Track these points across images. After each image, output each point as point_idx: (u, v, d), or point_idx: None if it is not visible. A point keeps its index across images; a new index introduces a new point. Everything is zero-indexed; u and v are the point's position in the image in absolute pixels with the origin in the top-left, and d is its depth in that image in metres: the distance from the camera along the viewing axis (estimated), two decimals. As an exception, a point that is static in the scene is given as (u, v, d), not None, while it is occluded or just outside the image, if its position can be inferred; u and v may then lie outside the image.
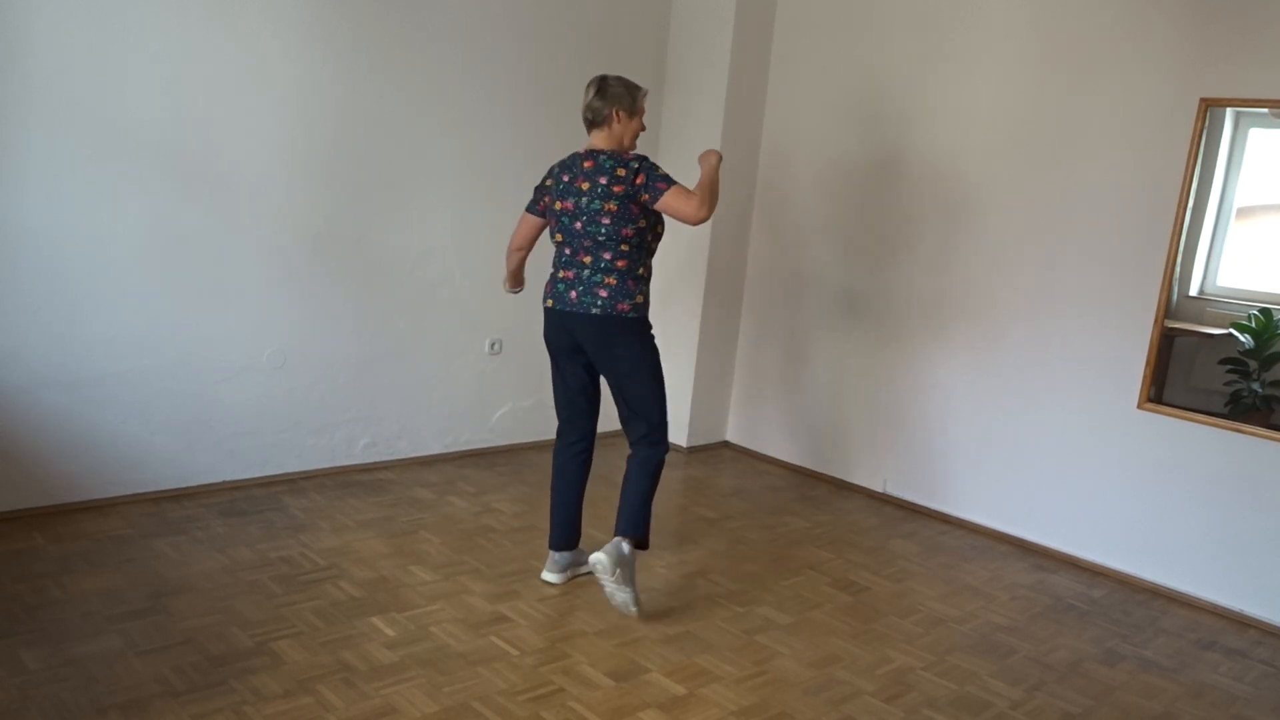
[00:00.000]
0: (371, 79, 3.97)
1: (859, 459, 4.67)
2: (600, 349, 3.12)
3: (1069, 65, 3.86)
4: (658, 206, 3.00)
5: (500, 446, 4.77)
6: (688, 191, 2.97)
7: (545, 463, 4.64)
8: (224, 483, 3.91)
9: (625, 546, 3.05)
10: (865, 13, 4.50)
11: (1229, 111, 3.50)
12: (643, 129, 3.17)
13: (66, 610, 2.85)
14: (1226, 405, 3.56)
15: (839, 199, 4.68)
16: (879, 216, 4.51)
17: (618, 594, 3.01)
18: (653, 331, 3.18)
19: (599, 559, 2.98)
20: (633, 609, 3.04)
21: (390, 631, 2.91)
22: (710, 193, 2.99)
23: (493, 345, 4.64)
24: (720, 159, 3.12)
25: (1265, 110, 3.43)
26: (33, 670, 2.52)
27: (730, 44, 4.70)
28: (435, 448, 4.54)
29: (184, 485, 3.80)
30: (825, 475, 4.80)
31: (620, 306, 3.06)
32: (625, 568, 3.02)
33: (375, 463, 4.34)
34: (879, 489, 4.61)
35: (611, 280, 3.07)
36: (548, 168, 4.59)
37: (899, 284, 4.46)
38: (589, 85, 3.12)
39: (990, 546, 4.09)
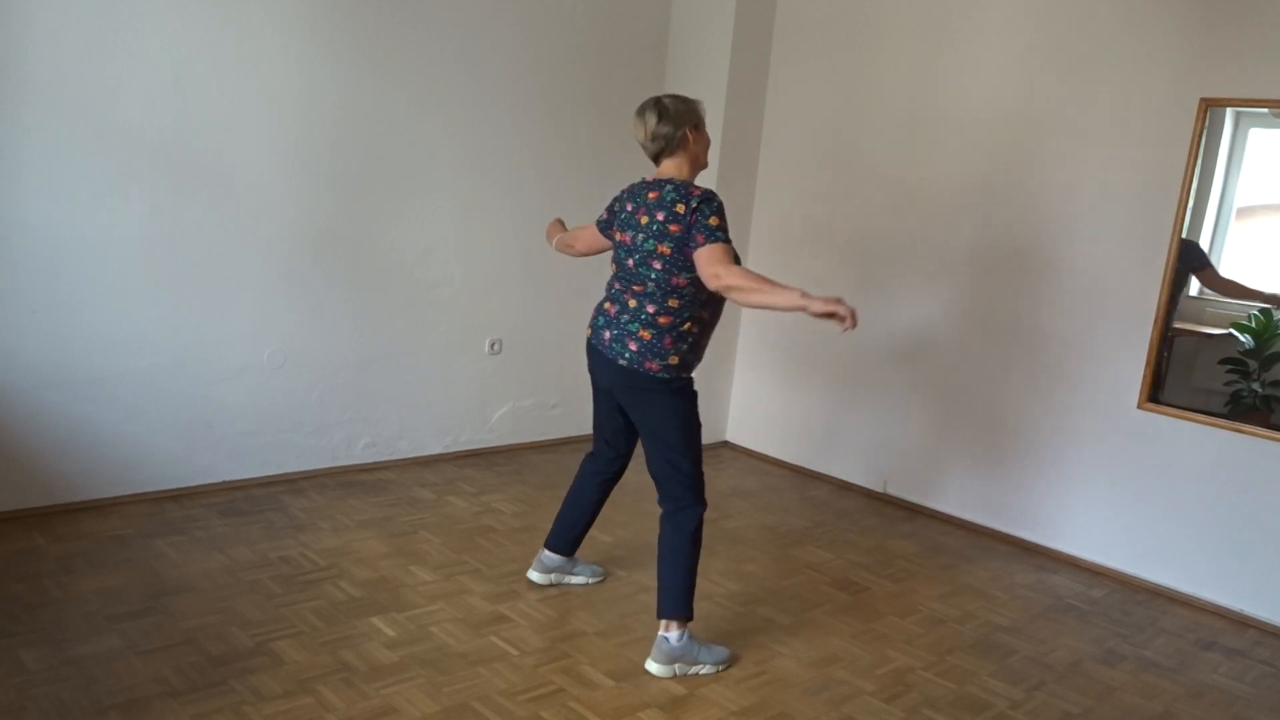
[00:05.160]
0: (372, 79, 3.97)
1: (859, 459, 4.67)
2: (627, 400, 2.86)
3: (1069, 65, 3.86)
4: (693, 257, 2.66)
5: (500, 446, 4.77)
6: (726, 255, 2.62)
7: (545, 463, 4.64)
8: (224, 483, 3.91)
9: (670, 637, 2.80)
10: (865, 14, 4.50)
11: (1229, 111, 3.50)
12: (709, 141, 2.87)
13: (66, 610, 2.85)
14: (1226, 405, 3.56)
15: (838, 199, 4.68)
16: (879, 216, 4.51)
17: (704, 671, 2.83)
18: (693, 393, 2.85)
19: (655, 669, 2.80)
20: (723, 664, 2.88)
21: (390, 631, 2.90)
22: (749, 286, 2.57)
23: (493, 345, 4.64)
24: (806, 308, 2.53)
25: (1265, 110, 3.43)
26: (33, 670, 2.52)
27: (730, 44, 4.70)
28: (435, 448, 4.54)
29: (184, 485, 3.80)
30: (825, 475, 4.80)
31: (648, 365, 2.76)
32: (681, 659, 2.81)
33: (375, 463, 4.34)
34: (879, 489, 4.61)
35: (646, 334, 2.75)
36: (548, 167, 4.65)
37: (898, 283, 4.46)
38: (645, 112, 2.78)
39: (990, 546, 4.09)
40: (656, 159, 2.83)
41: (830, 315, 2.52)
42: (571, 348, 4.95)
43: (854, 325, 2.54)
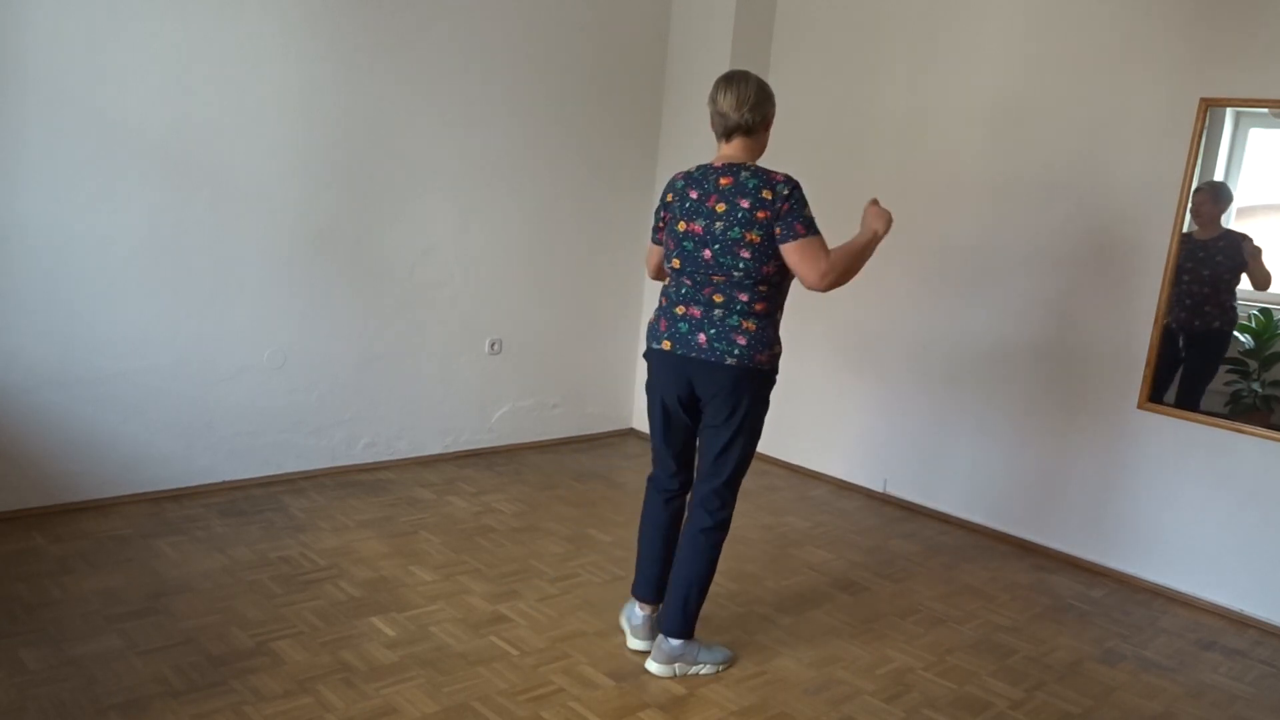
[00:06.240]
0: (372, 78, 3.97)
1: (859, 459, 4.67)
2: (723, 400, 2.65)
3: (1069, 65, 3.86)
4: (782, 249, 2.55)
5: (500, 446, 4.77)
6: (822, 252, 2.54)
7: (545, 463, 4.64)
8: (224, 483, 3.91)
9: (671, 642, 2.78)
10: (865, 14, 4.50)
11: (1229, 111, 3.50)
12: None
13: (66, 610, 2.85)
14: (1226, 405, 3.56)
15: (837, 199, 4.67)
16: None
17: (704, 671, 2.82)
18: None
19: (655, 669, 2.79)
20: (723, 664, 2.86)
21: (390, 631, 2.90)
22: (846, 266, 2.58)
23: (493, 345, 4.64)
24: (887, 227, 2.69)
25: (1265, 110, 3.43)
26: (33, 670, 2.52)
27: (730, 44, 4.69)
28: (435, 448, 4.54)
29: (184, 485, 3.80)
30: (825, 475, 4.80)
31: (759, 357, 2.61)
32: (681, 658, 2.79)
33: (375, 463, 4.34)
34: (879, 489, 4.61)
35: (751, 325, 2.60)
36: (548, 167, 4.65)
37: (897, 282, 4.46)
38: (742, 85, 2.61)
39: (990, 546, 4.09)
40: (728, 135, 2.65)
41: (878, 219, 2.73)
42: (571, 348, 4.95)
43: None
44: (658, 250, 2.84)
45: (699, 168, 2.70)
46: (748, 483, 4.63)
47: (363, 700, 2.53)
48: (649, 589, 2.89)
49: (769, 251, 2.57)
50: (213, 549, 3.34)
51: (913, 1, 4.33)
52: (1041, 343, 4.01)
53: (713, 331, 2.61)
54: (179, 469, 3.78)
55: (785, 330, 4.82)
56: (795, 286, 2.81)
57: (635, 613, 2.93)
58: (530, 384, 4.82)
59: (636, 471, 4.62)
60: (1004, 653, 3.15)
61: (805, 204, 2.57)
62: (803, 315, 4.84)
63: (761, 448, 5.04)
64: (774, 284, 2.63)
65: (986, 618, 3.40)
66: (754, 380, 2.64)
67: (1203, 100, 3.51)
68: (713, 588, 3.41)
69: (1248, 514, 3.53)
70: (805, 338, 4.82)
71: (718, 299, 2.62)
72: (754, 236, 2.55)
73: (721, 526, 2.77)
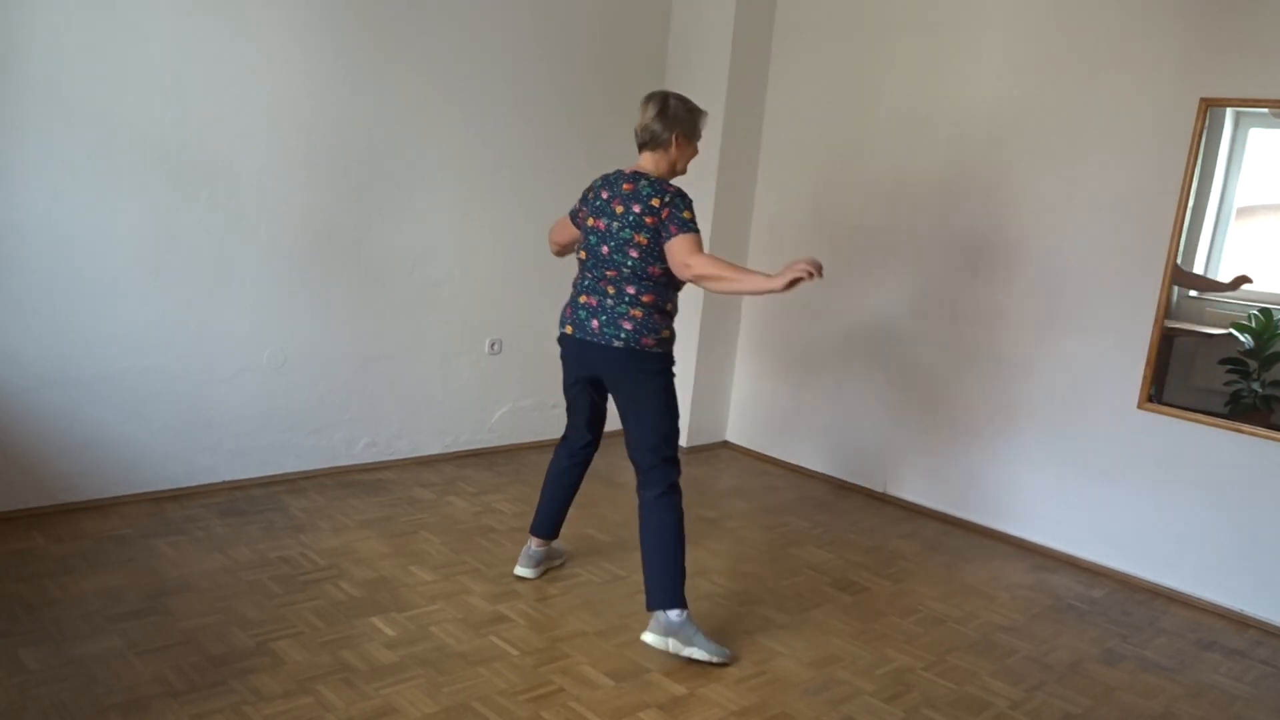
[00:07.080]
0: (372, 78, 3.97)
1: (859, 459, 4.67)
2: (620, 380, 2.95)
3: (1069, 65, 3.86)
4: (665, 247, 2.81)
5: (500, 446, 4.77)
6: (692, 247, 2.76)
7: (545, 463, 4.62)
8: (224, 483, 3.91)
9: (671, 613, 2.84)
10: (865, 14, 4.50)
11: (1229, 111, 3.50)
12: (696, 154, 3.02)
13: (66, 610, 2.85)
14: (1226, 405, 3.56)
15: (838, 200, 4.68)
16: (878, 216, 4.51)
17: (696, 655, 2.84)
18: (675, 368, 2.98)
19: (650, 639, 2.84)
20: (718, 658, 2.86)
21: (390, 631, 2.90)
22: (720, 274, 2.72)
23: (493, 345, 4.64)
24: (790, 284, 2.65)
25: (1265, 110, 3.43)
26: (33, 670, 2.52)
27: (730, 46, 4.70)
28: (435, 448, 4.54)
29: (184, 485, 3.80)
30: (825, 475, 4.80)
31: (645, 341, 2.88)
32: (677, 634, 2.83)
33: (375, 463, 4.34)
34: (879, 489, 4.61)
35: (637, 313, 2.88)
36: (547, 167, 4.65)
37: (898, 284, 4.46)
38: (648, 102, 2.92)
39: (990, 546, 4.09)
40: (640, 147, 2.96)
41: (796, 283, 2.67)
42: (571, 348, 4.95)
43: (820, 274, 2.70)
44: (565, 221, 3.15)
45: (616, 172, 2.99)
46: (749, 482, 4.65)
47: (363, 700, 2.53)
48: (544, 527, 3.33)
49: (655, 254, 2.85)
50: (213, 549, 3.34)
51: (913, 1, 4.32)
52: (1042, 342, 4.01)
53: (604, 318, 2.91)
54: (179, 469, 3.78)
55: (786, 331, 4.85)
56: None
57: (530, 545, 3.36)
58: (530, 384, 4.82)
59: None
60: (1004, 653, 3.15)
61: (685, 208, 2.83)
62: (803, 316, 4.84)
63: (761, 447, 5.06)
64: (661, 283, 2.90)
65: (986, 618, 3.40)
66: (642, 360, 2.89)
67: (1203, 100, 3.52)
68: (713, 587, 3.42)
69: (1247, 514, 3.53)
70: (806, 339, 4.83)
71: (610, 290, 2.91)
72: (642, 239, 2.84)
73: (671, 490, 2.93)
